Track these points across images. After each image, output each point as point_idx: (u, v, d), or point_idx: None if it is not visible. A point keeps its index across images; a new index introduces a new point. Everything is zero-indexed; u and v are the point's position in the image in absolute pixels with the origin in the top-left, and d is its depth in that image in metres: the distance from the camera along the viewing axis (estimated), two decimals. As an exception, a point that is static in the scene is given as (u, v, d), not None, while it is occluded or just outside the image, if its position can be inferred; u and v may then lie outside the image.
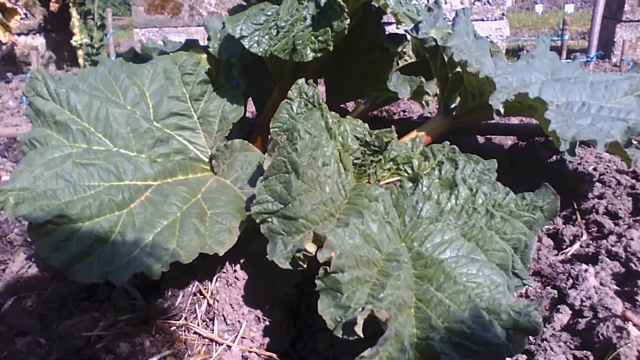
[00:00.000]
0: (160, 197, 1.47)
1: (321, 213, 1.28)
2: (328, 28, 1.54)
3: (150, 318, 1.38)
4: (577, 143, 1.60)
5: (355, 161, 1.56)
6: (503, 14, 5.42)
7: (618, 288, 1.46)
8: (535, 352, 1.27)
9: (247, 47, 1.58)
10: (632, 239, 1.60)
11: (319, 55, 1.56)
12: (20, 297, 1.48)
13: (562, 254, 1.73)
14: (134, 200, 1.44)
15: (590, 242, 1.74)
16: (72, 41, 6.15)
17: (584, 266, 1.53)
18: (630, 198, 1.87)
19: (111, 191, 1.43)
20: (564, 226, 1.84)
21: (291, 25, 1.58)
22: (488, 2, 5.33)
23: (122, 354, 1.27)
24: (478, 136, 2.57)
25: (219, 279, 1.46)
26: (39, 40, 6.44)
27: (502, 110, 1.72)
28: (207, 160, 1.71)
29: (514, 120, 2.69)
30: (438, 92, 2.00)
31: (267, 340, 1.38)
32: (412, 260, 1.25)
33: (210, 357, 1.30)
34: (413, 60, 2.15)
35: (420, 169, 1.57)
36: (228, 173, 1.61)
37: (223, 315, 1.39)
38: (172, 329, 1.36)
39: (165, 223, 1.39)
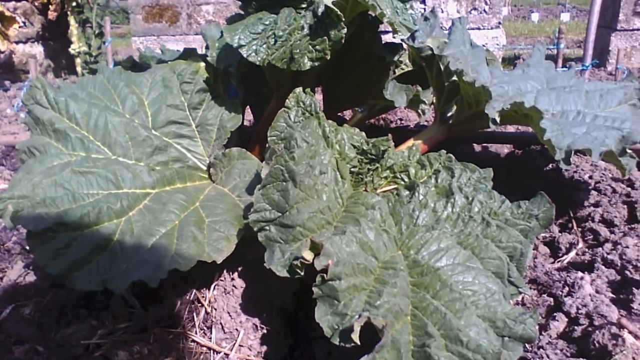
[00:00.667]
0: (159, 205, 1.48)
1: (318, 221, 1.29)
2: (325, 37, 1.56)
3: (149, 326, 1.38)
4: (573, 152, 1.61)
5: (352, 169, 1.57)
6: (499, 23, 5.45)
7: (614, 296, 1.47)
8: (532, 359, 1.28)
9: (245, 56, 1.59)
10: (627, 247, 1.61)
11: (316, 64, 1.57)
12: (19, 305, 1.48)
13: (558, 261, 1.74)
14: (133, 208, 1.45)
15: (586, 249, 1.75)
16: (70, 49, 6.16)
17: (580, 274, 1.54)
18: (625, 206, 1.88)
19: (110, 199, 1.43)
20: (560, 234, 1.85)
21: (289, 34, 1.59)
22: (484, 10, 5.37)
23: (120, 362, 1.27)
24: (474, 145, 2.58)
25: (216, 286, 1.46)
26: (37, 49, 6.45)
27: (498, 119, 1.73)
28: (205, 168, 1.72)
29: (510, 128, 2.71)
30: (434, 100, 2.01)
31: (265, 348, 1.38)
32: (408, 268, 1.25)
33: (208, 365, 1.31)
34: (409, 69, 2.16)
35: (417, 177, 1.58)
36: (226, 181, 1.61)
37: (221, 323, 1.39)
38: (170, 337, 1.36)
39: (163, 231, 1.39)
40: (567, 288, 1.51)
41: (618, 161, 1.68)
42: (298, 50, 1.57)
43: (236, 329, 1.39)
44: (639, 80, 2.06)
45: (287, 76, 1.78)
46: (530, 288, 1.60)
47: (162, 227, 1.40)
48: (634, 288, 1.44)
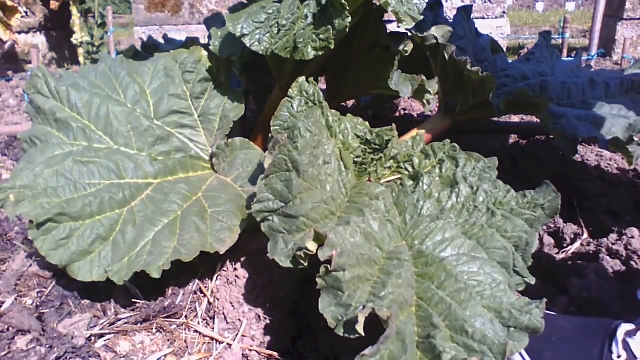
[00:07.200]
0: (161, 195, 1.47)
1: (322, 211, 1.28)
2: (329, 26, 1.54)
3: (151, 316, 1.38)
4: (578, 140, 1.60)
5: (356, 159, 1.56)
6: (504, 12, 5.41)
7: (619, 286, 1.46)
8: (537, 350, 1.27)
9: (248, 45, 1.58)
10: (632, 237, 1.60)
11: (320, 53, 1.56)
12: (21, 295, 1.48)
13: (563, 252, 1.73)
14: (135, 198, 1.44)
15: (591, 240, 1.74)
16: (72, 39, 6.14)
17: (585, 264, 1.53)
18: (631, 196, 1.87)
19: (112, 189, 1.43)
20: (565, 224, 1.84)
21: (292, 23, 1.57)
22: (489, 0, 5.33)
23: (123, 353, 1.26)
24: (479, 134, 2.57)
25: (219, 277, 1.45)
26: (40, 39, 6.44)
27: (502, 108, 1.71)
28: (207, 158, 1.71)
29: (515, 118, 2.69)
30: (439, 90, 2.00)
31: (267, 338, 1.38)
32: (413, 259, 1.24)
33: (211, 356, 1.30)
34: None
35: (421, 167, 1.57)
36: (229, 171, 1.61)
37: (223, 313, 1.38)
38: (172, 327, 1.36)
39: (166, 221, 1.39)
40: (571, 279, 1.50)
41: (625, 149, 1.66)
42: (302, 40, 1.55)
43: (239, 320, 1.38)
44: (646, 69, 2.04)
45: (290, 66, 1.77)
46: (535, 278, 1.59)
47: (164, 218, 1.39)
48: (639, 279, 1.43)
